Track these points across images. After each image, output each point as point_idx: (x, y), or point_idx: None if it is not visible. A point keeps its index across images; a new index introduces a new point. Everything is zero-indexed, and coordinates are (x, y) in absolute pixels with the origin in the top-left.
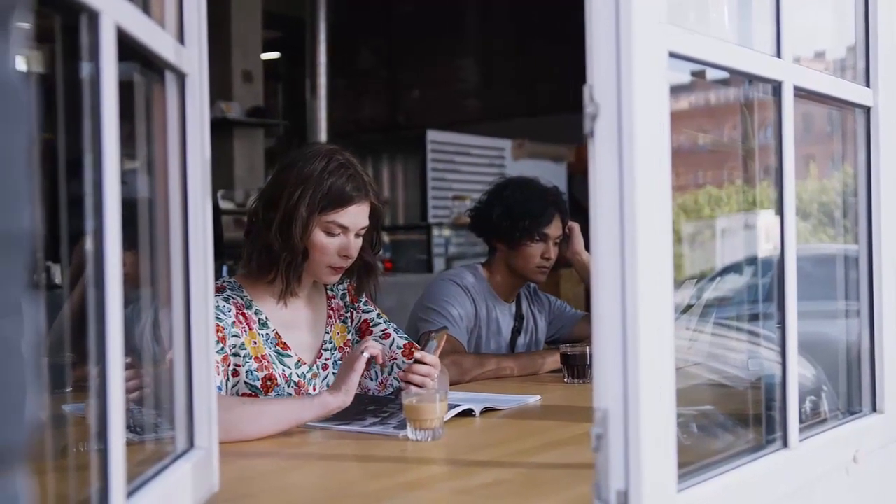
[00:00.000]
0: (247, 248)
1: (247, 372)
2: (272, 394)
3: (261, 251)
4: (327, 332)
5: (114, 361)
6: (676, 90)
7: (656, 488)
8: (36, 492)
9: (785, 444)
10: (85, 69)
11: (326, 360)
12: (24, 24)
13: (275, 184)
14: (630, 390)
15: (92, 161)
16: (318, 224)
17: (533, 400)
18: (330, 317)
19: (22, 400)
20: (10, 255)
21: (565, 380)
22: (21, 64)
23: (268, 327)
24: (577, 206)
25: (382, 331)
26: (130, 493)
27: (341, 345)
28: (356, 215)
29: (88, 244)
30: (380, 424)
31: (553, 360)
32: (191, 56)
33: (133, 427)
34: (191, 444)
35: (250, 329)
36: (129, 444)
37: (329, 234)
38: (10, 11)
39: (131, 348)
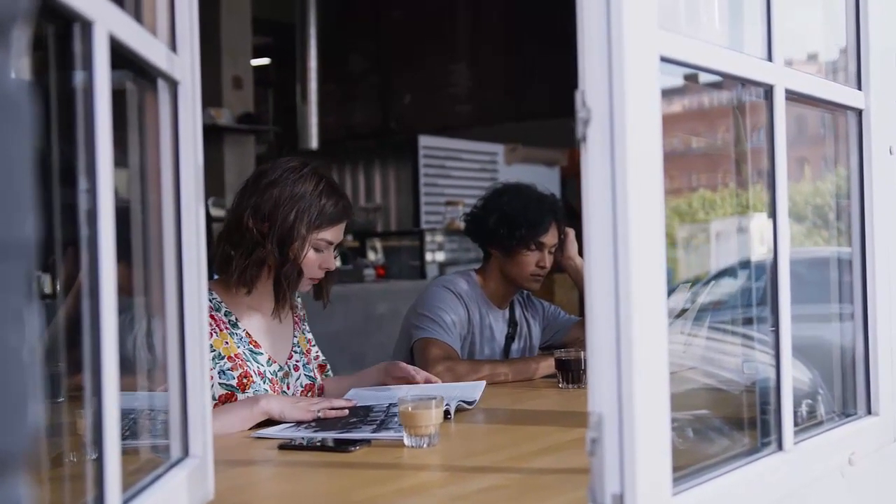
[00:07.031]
0: (237, 260)
1: (220, 372)
2: (249, 391)
3: (254, 265)
4: (295, 336)
5: (108, 371)
6: (669, 93)
7: (651, 491)
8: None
9: (780, 447)
10: (78, 77)
11: (297, 361)
12: (24, 34)
13: (264, 199)
14: (624, 394)
15: (85, 169)
16: (310, 242)
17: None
18: (296, 323)
19: (24, 407)
20: (13, 263)
21: (560, 385)
22: (22, 73)
23: (238, 328)
24: (570, 211)
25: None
26: (125, 502)
27: (305, 350)
28: (341, 232)
29: (82, 253)
30: (382, 429)
31: (547, 365)
32: (183, 63)
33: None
34: (185, 452)
35: (221, 330)
36: (123, 452)
37: (317, 250)
38: (11, 22)
39: (125, 357)
